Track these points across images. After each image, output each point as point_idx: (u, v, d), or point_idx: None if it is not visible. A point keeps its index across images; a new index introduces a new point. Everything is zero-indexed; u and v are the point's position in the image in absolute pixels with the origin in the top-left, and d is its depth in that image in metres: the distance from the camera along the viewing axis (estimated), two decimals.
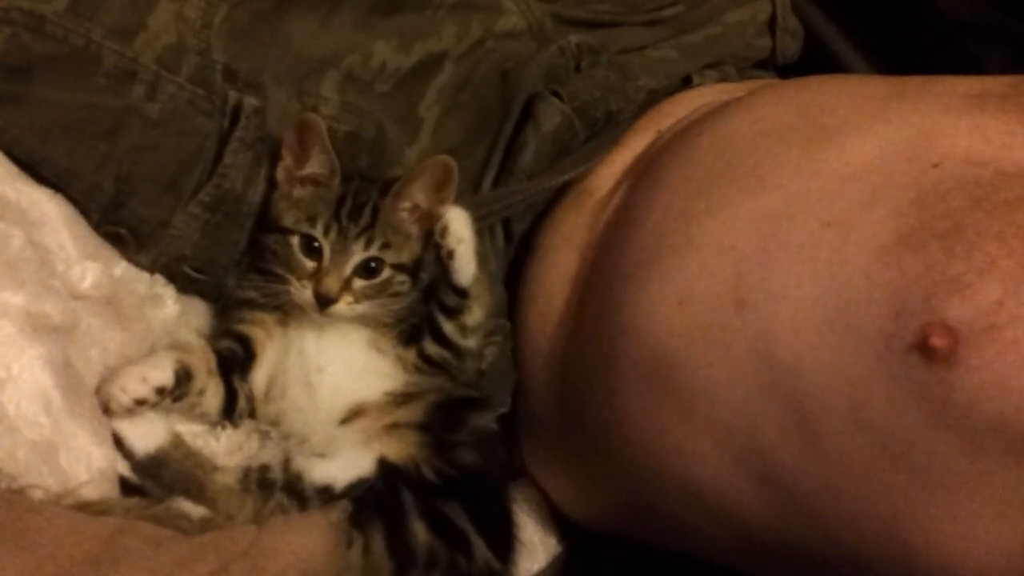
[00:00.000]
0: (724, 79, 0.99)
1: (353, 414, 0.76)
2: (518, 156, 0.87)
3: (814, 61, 1.09)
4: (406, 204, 0.77)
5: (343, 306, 0.74)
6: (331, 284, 0.74)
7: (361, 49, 0.83)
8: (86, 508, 0.54)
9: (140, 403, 0.68)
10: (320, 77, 0.82)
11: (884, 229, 0.58)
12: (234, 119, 0.77)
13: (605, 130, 0.92)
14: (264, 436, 0.77)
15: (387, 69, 0.84)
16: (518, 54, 0.91)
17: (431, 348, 0.78)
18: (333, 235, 0.75)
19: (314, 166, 0.77)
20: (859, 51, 1.13)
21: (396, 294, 0.77)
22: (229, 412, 0.76)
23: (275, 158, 0.79)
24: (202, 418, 0.75)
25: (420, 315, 0.79)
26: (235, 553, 0.53)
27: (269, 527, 0.57)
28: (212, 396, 0.74)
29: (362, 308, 0.75)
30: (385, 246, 0.76)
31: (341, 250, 0.74)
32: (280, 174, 0.78)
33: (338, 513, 0.60)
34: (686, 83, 0.97)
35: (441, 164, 0.76)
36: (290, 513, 0.64)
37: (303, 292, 0.74)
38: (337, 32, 0.82)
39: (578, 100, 0.90)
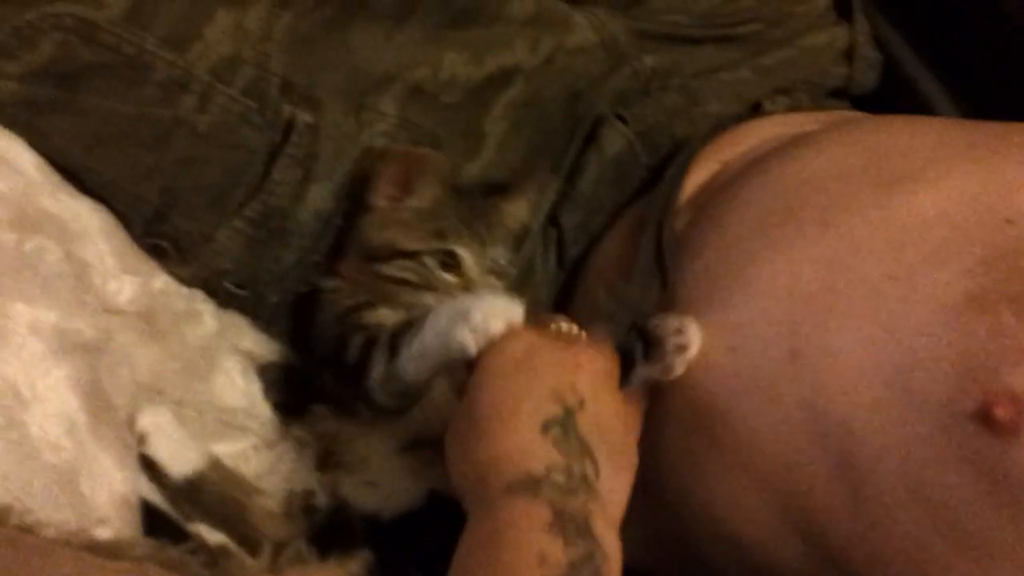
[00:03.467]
0: (796, 106, 0.93)
1: (413, 444, 0.71)
2: (578, 179, 0.83)
3: (891, 90, 1.03)
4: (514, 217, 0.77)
5: None
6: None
7: (430, 62, 0.80)
8: (97, 549, 0.50)
9: None
10: (382, 91, 0.79)
11: (951, 287, 0.55)
12: (286, 134, 0.74)
13: (670, 156, 0.87)
14: (297, 459, 0.74)
15: (457, 81, 0.81)
16: (589, 72, 0.87)
17: None
18: (473, 242, 0.71)
19: (423, 199, 0.72)
20: (940, 82, 1.06)
21: None
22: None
23: (358, 187, 0.74)
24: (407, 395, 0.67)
25: None
26: None
27: None
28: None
29: None
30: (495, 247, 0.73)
31: (481, 255, 0.71)
32: (380, 202, 0.73)
33: (356, 564, 0.56)
34: (755, 109, 0.92)
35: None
36: (307, 563, 0.61)
37: None
38: (404, 45, 0.79)
39: (643, 124, 0.85)
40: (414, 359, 0.63)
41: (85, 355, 0.62)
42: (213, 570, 0.54)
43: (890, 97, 1.02)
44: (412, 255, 0.71)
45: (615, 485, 0.55)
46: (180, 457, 0.67)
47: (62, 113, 0.68)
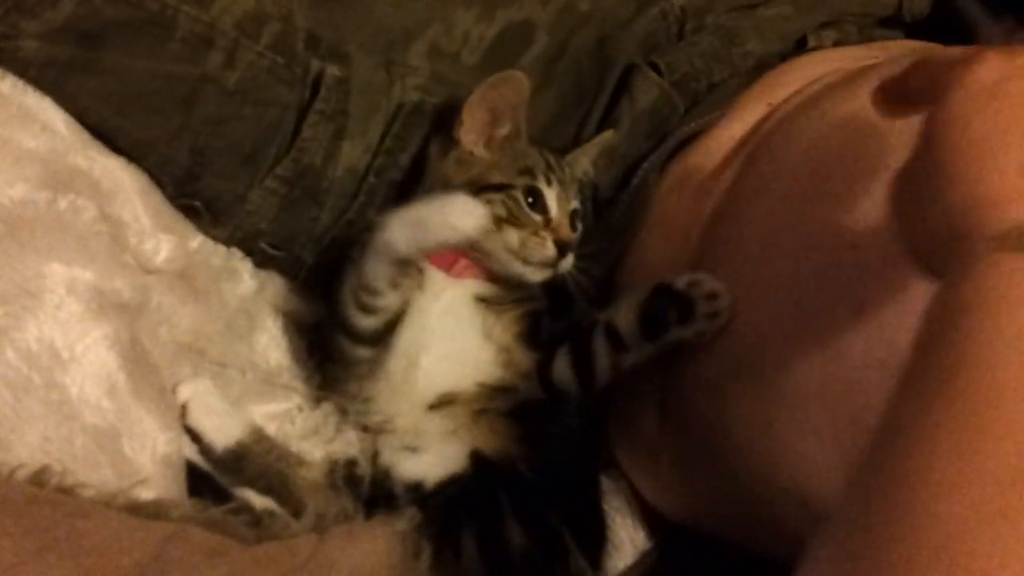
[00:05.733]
0: (843, 40, 0.88)
1: (442, 402, 0.69)
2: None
3: (944, 17, 0.97)
4: (578, 171, 0.75)
5: (570, 256, 0.70)
6: (567, 230, 0.70)
7: (443, 19, 0.76)
8: (138, 510, 0.48)
9: None
10: (406, 47, 0.75)
11: None
12: (315, 90, 0.71)
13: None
14: (342, 420, 0.72)
15: (471, 39, 0.77)
16: (615, 15, 0.82)
17: (561, 372, 0.69)
18: (555, 185, 0.70)
19: (507, 127, 0.71)
20: (990, 6, 1.00)
21: None
22: (390, 328, 0.69)
23: (441, 123, 0.73)
24: (380, 314, 0.67)
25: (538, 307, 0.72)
26: (292, 566, 0.47)
27: (329, 538, 0.50)
28: (405, 290, 0.68)
29: (574, 260, 0.70)
30: (579, 198, 0.73)
31: (563, 201, 0.71)
32: (463, 137, 0.71)
33: (404, 522, 0.54)
34: (800, 45, 0.86)
35: (611, 139, 0.76)
36: (353, 521, 0.58)
37: (543, 246, 0.68)
38: (416, 1, 0.76)
39: (677, 73, 0.81)
40: (376, 268, 0.64)
41: (124, 315, 0.60)
42: (256, 530, 0.52)
43: (944, 23, 0.97)
44: (501, 188, 0.69)
45: None
46: (222, 428, 0.66)
47: (85, 72, 0.65)
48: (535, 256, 0.69)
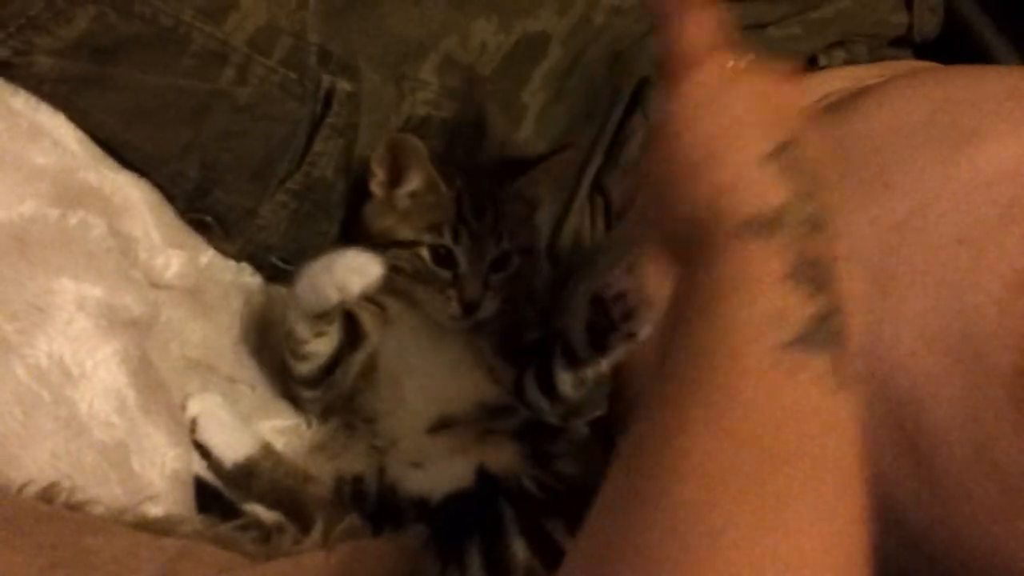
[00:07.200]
0: (853, 59, 0.88)
1: (442, 424, 0.69)
2: (624, 147, 0.79)
3: (954, 37, 0.97)
4: (527, 199, 0.74)
5: (487, 303, 0.68)
6: (475, 289, 0.67)
7: (459, 30, 0.76)
8: (147, 526, 0.48)
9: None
10: (418, 60, 0.75)
11: (1020, 250, 0.52)
12: (326, 104, 0.71)
13: None
14: (349, 436, 0.72)
15: (488, 49, 0.77)
16: (631, 32, 0.82)
17: (530, 390, 0.69)
18: (465, 240, 0.68)
19: (412, 185, 0.70)
20: (1002, 32, 1.00)
21: (519, 275, 0.71)
22: (327, 371, 0.69)
23: (364, 168, 0.72)
24: (311, 359, 0.68)
25: (523, 322, 0.72)
26: None
27: (337, 553, 0.50)
28: (333, 336, 0.68)
29: (497, 300, 0.69)
30: (511, 236, 0.70)
31: (477, 254, 0.68)
32: (375, 188, 0.71)
33: (411, 538, 0.54)
34: (811, 64, 0.87)
35: (566, 162, 0.74)
36: (361, 537, 0.58)
37: (448, 304, 0.68)
38: (433, 12, 0.76)
39: None
40: (296, 319, 0.66)
41: (133, 331, 0.60)
42: (264, 546, 0.52)
43: (953, 44, 0.97)
44: (407, 245, 0.69)
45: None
46: (231, 443, 0.66)
47: (99, 87, 0.65)
48: (439, 314, 0.69)
